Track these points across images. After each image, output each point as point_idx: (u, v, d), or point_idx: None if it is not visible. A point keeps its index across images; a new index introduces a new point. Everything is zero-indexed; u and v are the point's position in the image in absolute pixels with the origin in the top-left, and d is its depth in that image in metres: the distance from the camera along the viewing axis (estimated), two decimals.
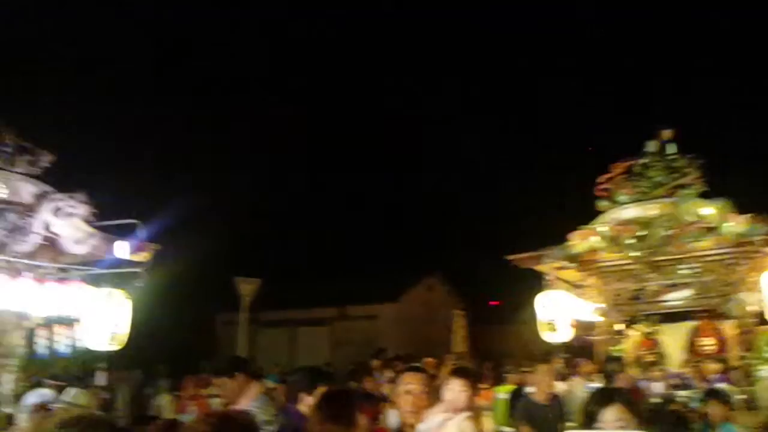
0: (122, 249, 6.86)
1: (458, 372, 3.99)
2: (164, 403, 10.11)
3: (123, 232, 7.06)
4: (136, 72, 28.94)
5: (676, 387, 8.77)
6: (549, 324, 8.95)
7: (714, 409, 5.37)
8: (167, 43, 29.97)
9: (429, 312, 24.57)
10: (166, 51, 30.75)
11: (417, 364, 4.98)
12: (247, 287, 11.24)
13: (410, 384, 3.73)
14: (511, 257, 9.45)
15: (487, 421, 6.99)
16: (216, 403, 7.04)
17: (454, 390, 3.75)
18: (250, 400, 4.33)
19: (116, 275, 7.03)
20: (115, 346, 6.83)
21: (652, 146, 9.22)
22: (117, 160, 20.29)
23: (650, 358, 10.23)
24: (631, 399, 2.53)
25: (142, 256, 7.08)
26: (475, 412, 3.82)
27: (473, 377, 4.03)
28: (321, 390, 3.72)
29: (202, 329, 24.00)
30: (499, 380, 10.17)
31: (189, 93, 30.78)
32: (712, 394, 5.75)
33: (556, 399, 5.95)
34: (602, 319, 9.72)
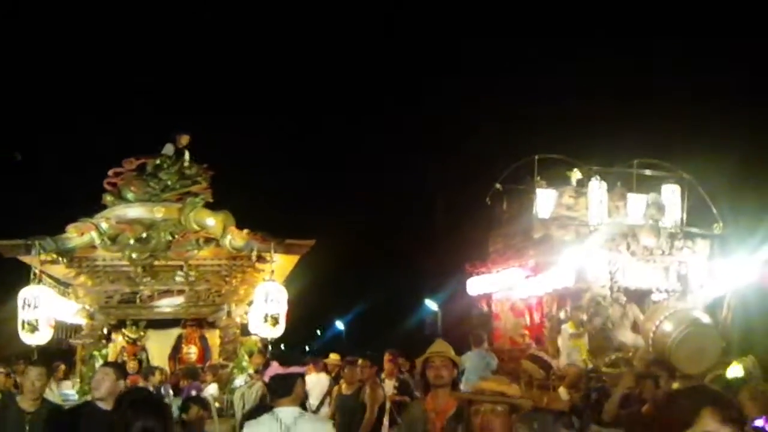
0: None
1: None
2: None
3: None
4: None
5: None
6: (30, 324, 7.94)
7: (192, 414, 5.27)
8: None
9: None
10: None
11: None
12: None
13: None
14: None
15: None
16: None
17: None
18: None
19: None
20: None
21: (169, 149, 9.17)
22: None
23: (133, 364, 9.95)
24: None
25: None
26: None
27: None
28: None
29: None
30: None
31: None
32: (192, 400, 5.68)
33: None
34: (88, 321, 9.08)
